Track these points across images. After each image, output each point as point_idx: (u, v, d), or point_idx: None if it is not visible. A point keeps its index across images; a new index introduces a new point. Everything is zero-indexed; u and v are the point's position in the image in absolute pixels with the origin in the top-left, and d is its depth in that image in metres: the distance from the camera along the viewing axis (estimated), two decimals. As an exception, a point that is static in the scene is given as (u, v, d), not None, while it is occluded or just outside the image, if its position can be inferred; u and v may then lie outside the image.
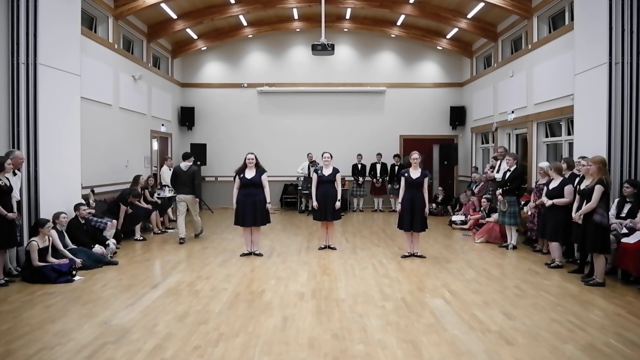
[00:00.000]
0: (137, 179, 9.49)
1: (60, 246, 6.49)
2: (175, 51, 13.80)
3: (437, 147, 14.34)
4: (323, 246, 8.13)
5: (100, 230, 7.70)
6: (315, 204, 7.94)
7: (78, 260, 6.41)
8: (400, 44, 14.38)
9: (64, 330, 4.32)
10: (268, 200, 7.50)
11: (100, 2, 9.54)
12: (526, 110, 10.21)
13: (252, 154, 7.58)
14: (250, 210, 7.36)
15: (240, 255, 7.53)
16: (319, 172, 8.00)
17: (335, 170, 7.99)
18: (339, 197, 7.94)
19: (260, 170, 7.51)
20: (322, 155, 8.11)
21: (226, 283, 5.95)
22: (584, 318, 4.64)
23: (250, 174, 7.45)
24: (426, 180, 7.30)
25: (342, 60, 14.40)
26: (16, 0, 6.48)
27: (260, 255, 7.54)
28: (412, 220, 7.21)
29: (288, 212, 13.51)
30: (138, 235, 8.88)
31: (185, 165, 9.00)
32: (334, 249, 8.05)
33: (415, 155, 7.35)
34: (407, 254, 7.44)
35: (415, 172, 7.29)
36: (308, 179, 11.96)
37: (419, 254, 7.42)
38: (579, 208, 6.00)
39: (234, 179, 7.54)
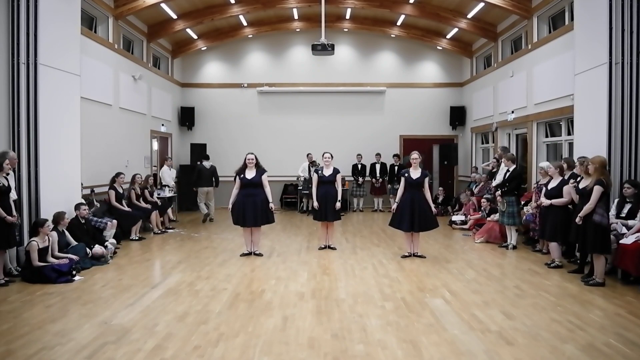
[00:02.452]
0: (117, 175, 9.14)
1: (56, 251, 6.45)
2: (175, 51, 13.80)
3: (437, 147, 14.34)
4: (323, 246, 8.12)
5: (100, 230, 7.69)
6: (315, 204, 7.93)
7: (73, 258, 6.40)
8: (400, 44, 14.38)
9: (64, 330, 4.32)
10: (270, 199, 7.49)
11: (100, 2, 9.54)
12: (526, 110, 10.21)
13: (252, 154, 7.57)
14: (251, 210, 7.34)
15: (240, 255, 7.52)
16: (320, 172, 7.99)
17: (336, 171, 7.98)
18: (339, 197, 7.93)
19: (260, 170, 7.49)
20: (323, 156, 8.09)
21: (226, 283, 5.95)
22: (584, 318, 4.63)
23: (250, 174, 7.44)
24: (427, 180, 7.30)
25: (342, 60, 14.40)
26: (16, 0, 6.48)
27: (260, 255, 7.54)
28: (413, 221, 7.19)
29: (288, 212, 13.50)
30: (134, 235, 8.86)
31: (207, 164, 11.56)
32: (334, 249, 8.04)
33: (414, 155, 7.36)
34: (407, 254, 7.44)
35: (415, 172, 7.28)
36: (309, 179, 11.96)
37: (419, 254, 7.42)
38: (579, 208, 5.98)
39: (235, 179, 7.54)
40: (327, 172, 7.96)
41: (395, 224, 7.38)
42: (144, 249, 8.28)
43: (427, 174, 7.38)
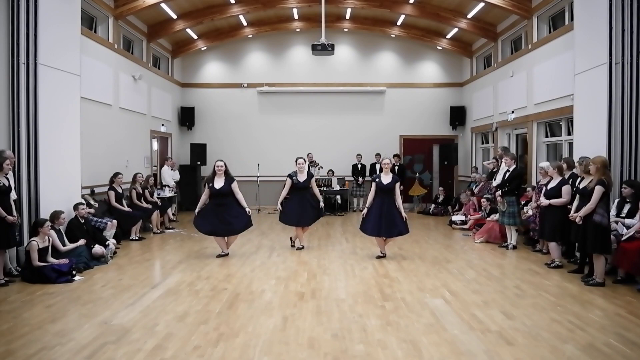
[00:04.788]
0: (115, 175, 9.13)
1: (60, 247, 6.50)
2: (175, 51, 13.80)
3: (437, 147, 14.35)
4: (301, 246, 8.07)
5: (100, 230, 7.69)
6: (278, 206, 7.89)
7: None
8: (400, 44, 14.38)
9: (64, 330, 4.32)
10: (245, 205, 7.39)
11: (100, 2, 9.55)
12: (526, 110, 10.21)
13: (222, 161, 7.43)
14: (225, 219, 7.22)
15: (217, 256, 7.42)
16: (294, 178, 7.85)
17: (310, 176, 7.95)
18: (321, 200, 7.96)
19: (229, 179, 7.34)
20: (297, 161, 7.94)
21: (226, 283, 5.95)
22: (584, 318, 4.64)
23: (219, 183, 7.27)
24: (397, 185, 7.23)
25: (342, 60, 14.40)
26: (16, 0, 6.48)
27: (226, 254, 7.46)
28: (380, 226, 7.11)
29: (288, 212, 13.48)
30: (134, 235, 8.86)
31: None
32: (301, 248, 8.00)
33: (386, 160, 7.41)
34: (381, 254, 7.39)
35: (386, 178, 7.23)
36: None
37: (384, 254, 7.39)
38: (578, 207, 5.98)
39: (204, 187, 7.44)
40: (302, 177, 7.87)
41: (361, 227, 7.36)
42: (144, 249, 8.28)
43: (397, 179, 7.30)
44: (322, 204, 8.00)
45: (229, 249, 7.63)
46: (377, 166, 13.57)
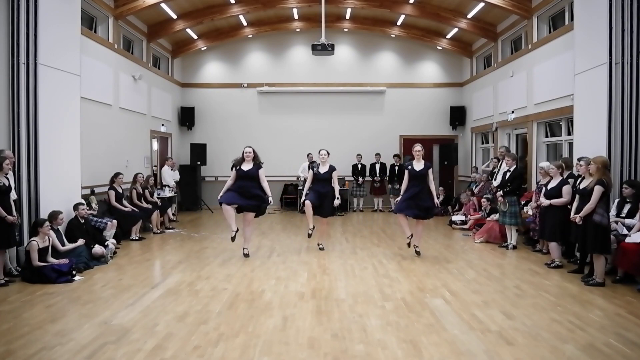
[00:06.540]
0: (116, 175, 9.15)
1: (59, 247, 6.50)
2: (175, 51, 13.81)
3: (437, 147, 14.35)
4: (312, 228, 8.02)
5: (100, 230, 7.69)
6: (303, 199, 7.93)
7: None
8: (400, 44, 14.39)
9: (64, 330, 4.32)
10: (269, 193, 7.42)
11: (100, 2, 9.55)
12: (526, 110, 10.21)
13: (250, 147, 7.50)
14: (247, 196, 7.23)
15: (231, 239, 7.29)
16: (315, 169, 7.98)
17: (332, 168, 7.95)
18: (338, 194, 7.90)
19: (257, 165, 7.42)
20: (319, 153, 8.06)
21: (226, 283, 5.95)
22: (584, 318, 4.63)
23: (247, 166, 7.37)
24: (430, 171, 7.35)
25: (342, 60, 14.41)
26: (16, 0, 6.48)
27: (247, 255, 7.43)
28: (408, 207, 7.22)
29: (288, 212, 13.49)
30: (134, 235, 8.86)
31: None
32: (321, 249, 7.98)
33: (417, 147, 7.44)
34: (407, 237, 7.46)
35: (418, 164, 7.32)
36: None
37: (417, 249, 7.43)
38: (578, 208, 5.98)
39: (232, 169, 7.45)
40: (323, 169, 7.93)
41: (395, 209, 7.50)
42: (144, 249, 8.28)
43: (430, 166, 7.44)
44: (337, 201, 7.86)
45: (248, 244, 7.58)
46: (377, 166, 13.61)
